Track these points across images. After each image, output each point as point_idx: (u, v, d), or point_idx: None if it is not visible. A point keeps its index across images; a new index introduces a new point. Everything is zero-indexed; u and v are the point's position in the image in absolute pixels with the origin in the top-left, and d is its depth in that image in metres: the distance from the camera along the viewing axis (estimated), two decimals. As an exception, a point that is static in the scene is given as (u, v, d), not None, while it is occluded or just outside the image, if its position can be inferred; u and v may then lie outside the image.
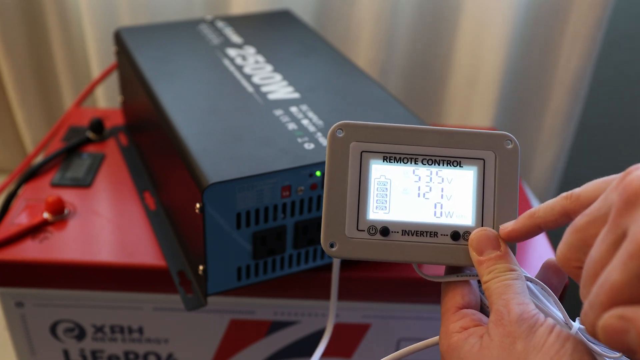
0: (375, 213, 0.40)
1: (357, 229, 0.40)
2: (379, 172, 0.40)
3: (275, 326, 0.67)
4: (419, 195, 0.41)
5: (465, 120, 1.08)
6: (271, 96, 0.64)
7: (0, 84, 1.14)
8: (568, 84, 1.02)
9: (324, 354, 0.50)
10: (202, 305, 0.57)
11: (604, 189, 0.33)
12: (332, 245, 0.40)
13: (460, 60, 1.05)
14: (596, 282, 0.30)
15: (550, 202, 0.37)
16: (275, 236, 0.56)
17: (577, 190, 0.35)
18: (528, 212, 0.38)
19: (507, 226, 0.39)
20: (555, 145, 1.09)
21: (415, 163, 0.41)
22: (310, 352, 0.68)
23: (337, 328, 0.67)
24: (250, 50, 0.74)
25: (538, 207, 0.38)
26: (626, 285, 0.28)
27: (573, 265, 0.33)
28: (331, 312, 0.53)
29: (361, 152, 0.40)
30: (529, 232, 0.38)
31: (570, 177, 1.19)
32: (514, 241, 0.39)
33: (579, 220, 0.33)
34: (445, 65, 1.06)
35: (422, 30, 1.03)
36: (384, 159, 0.41)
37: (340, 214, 0.40)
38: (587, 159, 1.21)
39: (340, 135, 0.40)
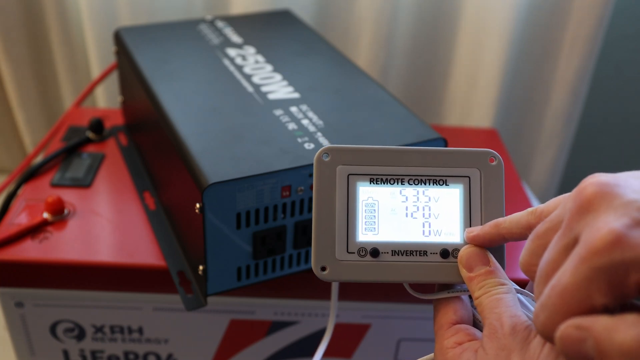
0: (365, 235, 0.41)
1: (347, 251, 0.41)
2: (367, 194, 0.41)
3: (275, 326, 0.67)
4: (406, 215, 0.41)
5: (465, 121, 1.08)
6: (271, 96, 0.64)
7: (0, 84, 1.14)
8: (568, 84, 1.02)
9: (324, 354, 0.50)
10: (202, 305, 0.57)
11: None
12: (323, 269, 0.40)
13: (460, 60, 1.05)
14: (548, 284, 0.30)
15: (516, 216, 0.38)
16: (275, 236, 0.56)
17: (541, 206, 0.37)
18: (494, 221, 0.39)
19: (473, 230, 0.40)
20: (555, 145, 1.09)
21: (401, 183, 0.41)
22: (310, 352, 0.68)
23: (337, 328, 0.67)
24: (250, 50, 0.74)
25: (505, 219, 0.39)
26: (577, 288, 0.29)
27: (534, 271, 0.34)
28: (332, 313, 0.53)
29: (348, 175, 0.41)
30: (493, 240, 0.40)
31: (570, 177, 1.19)
32: (477, 245, 0.40)
33: (540, 227, 0.34)
34: (445, 65, 1.06)
35: (422, 30, 1.03)
36: (371, 180, 0.41)
37: (330, 237, 0.40)
38: (587, 159, 1.21)
39: (327, 159, 0.41)
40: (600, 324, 0.28)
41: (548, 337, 0.30)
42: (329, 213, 0.40)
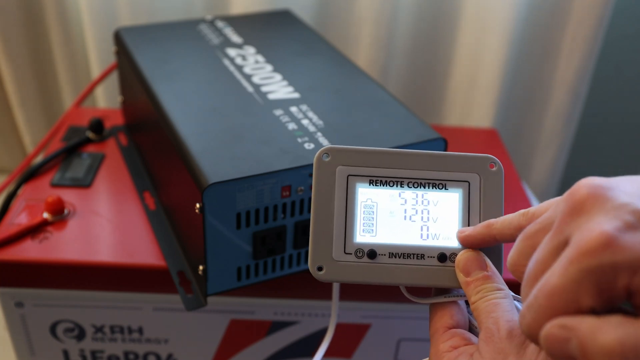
0: (362, 236, 0.41)
1: (345, 252, 0.40)
2: (366, 195, 0.41)
3: (275, 326, 0.67)
4: (405, 218, 0.41)
5: (465, 121, 1.08)
6: (271, 96, 0.64)
7: (0, 84, 1.14)
8: (568, 84, 1.02)
9: (324, 354, 0.50)
10: (202, 305, 0.57)
11: None
12: (320, 269, 0.40)
13: (460, 60, 1.05)
14: (536, 285, 0.30)
15: (508, 217, 0.38)
16: (275, 236, 0.56)
17: (532, 208, 0.37)
18: (487, 222, 0.39)
19: (465, 230, 0.40)
20: (555, 145, 1.09)
21: (401, 186, 0.41)
22: (310, 353, 0.68)
23: (337, 328, 0.67)
24: (250, 50, 0.74)
25: (497, 219, 0.39)
26: (564, 289, 0.28)
27: (521, 271, 0.34)
28: (333, 313, 0.53)
29: (347, 176, 0.41)
30: (484, 241, 0.39)
31: (570, 177, 1.19)
32: (469, 246, 0.40)
33: (530, 228, 0.34)
34: (445, 66, 1.06)
35: (422, 30, 1.03)
36: (370, 182, 0.41)
37: (327, 237, 0.40)
38: (587, 159, 1.21)
39: (327, 160, 0.41)
40: (585, 324, 0.27)
41: (533, 337, 0.30)
42: (327, 213, 0.40)
